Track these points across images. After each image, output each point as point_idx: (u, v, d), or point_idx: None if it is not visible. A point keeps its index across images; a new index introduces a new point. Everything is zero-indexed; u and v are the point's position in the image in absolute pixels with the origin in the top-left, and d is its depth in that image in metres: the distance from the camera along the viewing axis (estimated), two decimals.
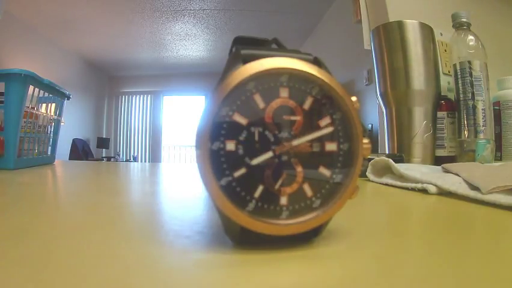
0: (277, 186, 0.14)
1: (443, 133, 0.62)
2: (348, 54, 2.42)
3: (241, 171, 0.14)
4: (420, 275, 0.13)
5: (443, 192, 0.31)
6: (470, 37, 0.58)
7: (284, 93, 0.15)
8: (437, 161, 0.62)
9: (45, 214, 0.22)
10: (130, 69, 4.96)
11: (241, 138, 0.14)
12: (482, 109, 0.57)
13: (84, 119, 4.49)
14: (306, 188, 0.15)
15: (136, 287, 0.11)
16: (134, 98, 5.37)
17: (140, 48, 4.10)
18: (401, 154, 0.59)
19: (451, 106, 0.63)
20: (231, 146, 0.14)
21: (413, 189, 0.34)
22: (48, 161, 0.67)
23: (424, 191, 0.33)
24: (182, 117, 5.19)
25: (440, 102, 0.63)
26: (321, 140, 0.15)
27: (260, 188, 0.14)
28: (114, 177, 0.52)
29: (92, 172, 0.59)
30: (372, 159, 0.44)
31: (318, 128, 0.15)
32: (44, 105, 0.65)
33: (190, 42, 3.94)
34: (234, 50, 0.17)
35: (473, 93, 0.58)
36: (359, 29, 0.95)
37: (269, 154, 0.14)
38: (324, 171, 0.15)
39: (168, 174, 0.58)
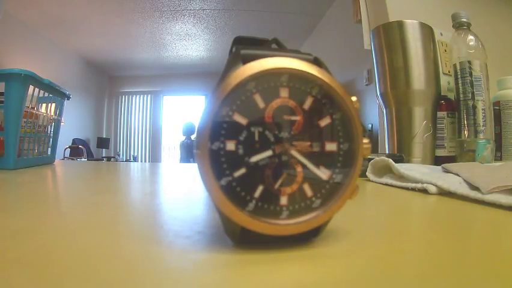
0: (277, 186, 0.14)
1: (443, 133, 0.62)
2: (348, 54, 2.42)
3: (241, 171, 0.14)
4: (421, 275, 0.13)
5: (443, 192, 0.31)
6: (470, 37, 0.58)
7: (284, 93, 0.15)
8: (437, 161, 0.62)
9: (45, 214, 0.22)
10: (130, 69, 4.96)
11: (241, 138, 0.14)
12: (482, 109, 0.57)
13: (84, 119, 4.49)
14: (306, 188, 0.15)
15: (136, 287, 0.11)
16: (134, 98, 5.37)
17: (140, 48, 4.10)
18: (401, 154, 0.59)
19: (450, 106, 0.63)
20: (231, 145, 0.14)
21: (413, 189, 0.34)
22: (48, 161, 0.67)
23: (424, 191, 0.33)
24: (182, 117, 5.20)
25: (440, 102, 0.63)
26: (321, 139, 0.15)
27: (260, 188, 0.14)
28: (114, 177, 0.52)
29: (92, 172, 0.59)
30: (372, 159, 0.44)
31: (318, 128, 0.15)
32: (44, 105, 0.65)
33: (190, 42, 3.94)
34: (234, 50, 0.17)
35: (473, 93, 0.58)
36: (359, 29, 0.95)
37: (269, 153, 0.14)
38: (324, 171, 0.15)
39: (168, 174, 0.58)
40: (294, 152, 0.15)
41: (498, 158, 0.64)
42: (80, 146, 3.97)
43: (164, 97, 5.38)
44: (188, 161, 3.30)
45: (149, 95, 5.35)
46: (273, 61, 0.14)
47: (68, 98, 0.70)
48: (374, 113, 1.86)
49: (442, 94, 0.66)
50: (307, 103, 0.15)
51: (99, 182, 0.46)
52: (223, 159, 0.14)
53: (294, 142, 0.15)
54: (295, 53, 0.15)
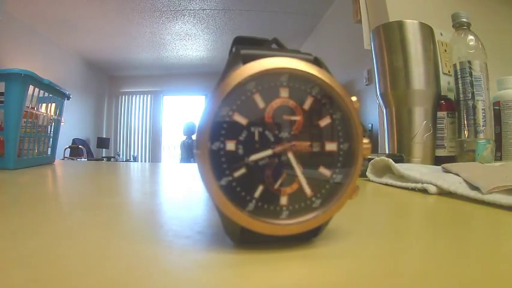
0: (277, 186, 0.14)
1: (443, 133, 0.62)
2: (348, 54, 2.42)
3: (241, 171, 0.14)
4: (420, 275, 0.13)
5: (443, 192, 0.31)
6: (470, 37, 0.58)
7: (284, 93, 0.15)
8: (437, 161, 0.62)
9: (45, 214, 0.22)
10: (130, 69, 4.96)
11: (241, 138, 0.14)
12: (482, 109, 0.57)
13: (84, 119, 4.49)
14: (306, 188, 0.15)
15: (136, 287, 0.11)
16: (134, 98, 5.37)
17: (140, 48, 4.10)
18: (401, 154, 0.59)
19: (450, 106, 0.63)
20: (231, 146, 0.14)
21: (413, 189, 0.34)
22: (48, 161, 0.67)
23: (424, 191, 0.33)
24: (182, 117, 5.20)
25: (440, 102, 0.63)
26: (321, 139, 0.15)
27: (260, 188, 0.14)
28: (114, 177, 0.52)
29: (92, 172, 0.59)
30: (372, 159, 0.44)
31: (318, 128, 0.15)
32: (44, 105, 0.65)
33: (190, 42, 3.94)
34: (234, 50, 0.17)
35: (473, 93, 0.58)
36: (359, 29, 0.95)
37: (268, 152, 0.14)
38: (324, 171, 0.15)
39: (168, 174, 0.58)
40: (290, 156, 0.15)
41: (498, 158, 0.64)
42: (80, 146, 3.97)
43: (164, 97, 5.38)
44: (189, 161, 3.30)
45: (149, 95, 5.35)
46: (273, 61, 0.14)
47: (68, 98, 0.70)
48: (374, 113, 1.86)
49: (442, 94, 0.66)
50: (308, 103, 0.15)
51: (99, 182, 0.46)
52: (223, 159, 0.14)
53: (294, 142, 0.15)
54: (295, 53, 0.15)
